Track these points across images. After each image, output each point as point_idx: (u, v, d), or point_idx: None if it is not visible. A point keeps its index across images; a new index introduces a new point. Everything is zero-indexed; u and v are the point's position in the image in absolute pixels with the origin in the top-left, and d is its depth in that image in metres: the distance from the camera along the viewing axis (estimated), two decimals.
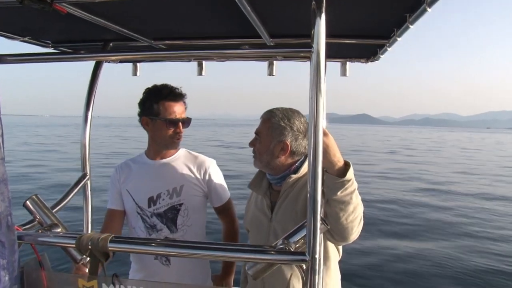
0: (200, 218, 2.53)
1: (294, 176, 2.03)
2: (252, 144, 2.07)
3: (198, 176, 2.49)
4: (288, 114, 2.03)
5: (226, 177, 2.67)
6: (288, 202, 2.01)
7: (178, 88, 2.40)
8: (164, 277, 2.37)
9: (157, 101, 2.34)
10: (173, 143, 2.43)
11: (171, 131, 2.37)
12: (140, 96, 2.39)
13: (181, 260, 2.40)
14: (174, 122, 2.36)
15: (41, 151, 27.36)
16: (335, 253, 2.03)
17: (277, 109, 2.06)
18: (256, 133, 2.06)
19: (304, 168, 2.06)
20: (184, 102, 2.44)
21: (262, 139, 2.02)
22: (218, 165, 2.62)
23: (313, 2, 1.25)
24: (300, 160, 2.08)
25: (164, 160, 2.48)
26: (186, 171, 2.48)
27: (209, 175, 2.51)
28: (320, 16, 1.24)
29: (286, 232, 1.51)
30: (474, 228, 10.00)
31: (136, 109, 2.41)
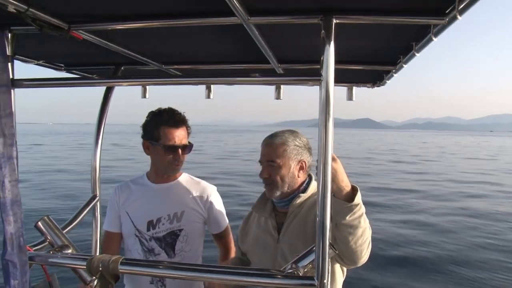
0: (198, 244, 2.52)
1: (302, 196, 2.05)
2: (268, 173, 2.04)
3: (199, 202, 2.48)
4: (294, 133, 2.09)
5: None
6: (296, 222, 2.01)
7: (180, 114, 2.38)
8: None
9: (157, 126, 2.32)
10: (172, 169, 2.40)
11: (170, 157, 2.34)
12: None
13: (177, 284, 2.38)
14: (173, 149, 2.33)
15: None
16: (340, 275, 2.04)
17: (280, 132, 2.10)
18: (269, 160, 2.03)
19: (311, 188, 2.09)
20: (187, 127, 2.41)
21: (282, 164, 2.02)
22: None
23: (322, 31, 1.29)
24: (306, 181, 2.11)
25: (166, 184, 2.47)
26: (187, 197, 2.46)
27: (210, 202, 2.50)
28: (329, 44, 1.28)
29: (295, 252, 1.52)
30: None
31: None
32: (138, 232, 2.40)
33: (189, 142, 2.41)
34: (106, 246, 2.49)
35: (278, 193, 2.04)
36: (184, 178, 2.53)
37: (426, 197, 15.40)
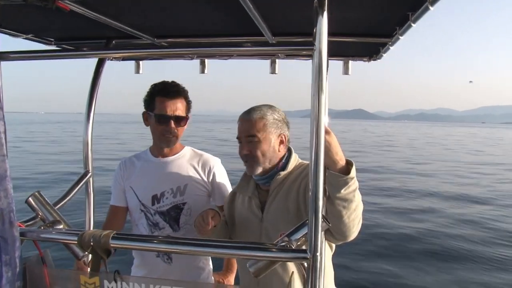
0: None
1: (282, 173, 2.04)
2: (248, 149, 2.02)
3: (202, 175, 2.49)
4: (272, 108, 2.08)
5: None
6: (278, 200, 2.01)
7: (177, 85, 2.38)
8: (165, 275, 2.37)
9: (153, 97, 2.35)
10: (164, 140, 2.39)
11: (161, 127, 2.35)
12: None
13: (183, 257, 2.41)
14: (164, 118, 2.33)
15: None
16: (328, 250, 2.04)
17: (257, 107, 2.08)
18: (249, 135, 2.01)
19: (291, 163, 2.08)
20: (185, 99, 2.41)
21: (263, 139, 2.00)
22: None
23: (315, 1, 1.25)
24: (285, 156, 2.09)
25: (169, 158, 2.48)
26: (190, 170, 2.47)
27: (214, 175, 2.51)
28: (322, 15, 1.25)
29: (279, 231, 1.51)
30: None
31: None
32: (143, 207, 2.43)
33: (182, 115, 2.39)
34: (112, 220, 2.53)
35: (259, 169, 2.02)
36: (186, 151, 2.54)
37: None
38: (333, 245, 2.06)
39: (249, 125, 2.01)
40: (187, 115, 2.42)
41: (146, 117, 2.42)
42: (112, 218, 2.53)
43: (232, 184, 2.61)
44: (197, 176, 2.48)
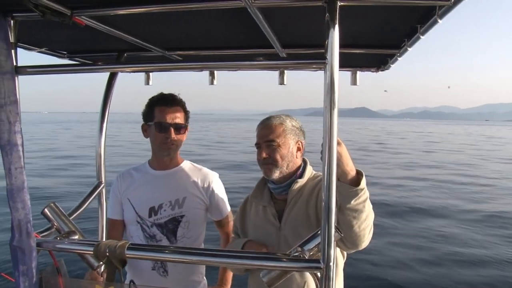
0: (199, 231, 2.53)
1: (299, 182, 2.06)
2: (268, 154, 2.05)
3: (201, 189, 2.49)
4: (289, 116, 2.16)
5: None
6: (298, 208, 2.02)
7: (173, 95, 2.42)
8: None
9: (151, 107, 2.38)
10: (164, 148, 2.39)
11: (161, 136, 2.35)
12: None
13: (179, 270, 2.41)
14: (164, 127, 2.34)
15: None
16: (341, 259, 2.06)
17: (276, 115, 2.15)
18: (269, 140, 2.05)
19: (307, 173, 2.11)
20: (183, 109, 2.43)
21: (282, 143, 2.04)
22: None
23: (327, 14, 1.28)
24: (301, 166, 2.13)
25: (168, 171, 2.49)
26: (189, 183, 2.48)
27: (212, 189, 2.52)
28: (333, 28, 1.27)
29: (299, 238, 1.53)
30: None
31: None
32: (139, 219, 2.42)
33: (181, 123, 2.40)
34: (110, 233, 2.51)
35: (277, 173, 2.05)
36: (185, 164, 2.55)
37: None
38: (345, 253, 2.07)
39: (269, 131, 2.06)
40: (186, 124, 2.44)
41: (145, 129, 2.44)
42: (110, 231, 2.52)
43: (229, 198, 2.65)
44: (196, 189, 2.48)
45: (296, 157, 2.09)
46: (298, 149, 2.10)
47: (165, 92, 2.46)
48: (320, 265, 1.30)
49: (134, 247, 1.50)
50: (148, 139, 2.46)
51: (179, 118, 2.39)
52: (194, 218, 2.46)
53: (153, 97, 2.41)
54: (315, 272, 1.36)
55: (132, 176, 2.52)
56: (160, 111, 2.35)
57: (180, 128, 2.40)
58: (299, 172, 2.10)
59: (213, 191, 2.52)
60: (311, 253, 1.45)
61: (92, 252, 1.52)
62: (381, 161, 23.72)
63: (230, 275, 2.67)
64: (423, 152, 31.25)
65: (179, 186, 2.46)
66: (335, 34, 1.27)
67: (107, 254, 1.48)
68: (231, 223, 2.62)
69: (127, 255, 1.47)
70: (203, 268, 2.61)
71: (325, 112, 1.27)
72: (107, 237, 2.48)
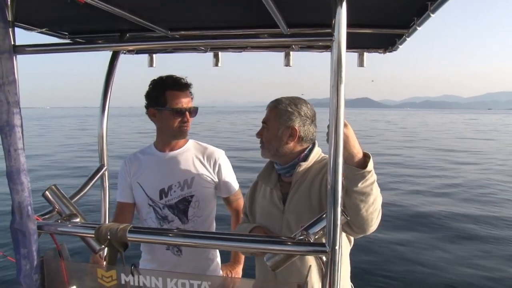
0: (210, 209, 2.56)
1: (303, 165, 2.02)
2: (259, 133, 2.08)
3: (208, 167, 2.51)
4: (295, 100, 2.06)
5: None
6: (301, 192, 2.00)
7: (183, 78, 2.40)
8: (175, 267, 2.39)
9: (163, 92, 2.36)
10: (181, 132, 2.42)
11: (178, 120, 2.38)
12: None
13: (192, 250, 2.42)
14: (181, 112, 2.36)
15: None
16: (346, 244, 2.02)
17: (282, 97, 2.09)
18: (263, 122, 2.07)
19: (313, 156, 2.07)
20: (190, 92, 2.44)
21: (270, 126, 2.03)
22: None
23: None
24: (308, 148, 2.08)
25: (174, 152, 2.49)
26: (196, 163, 2.49)
27: (219, 166, 2.53)
28: (341, 5, 1.23)
29: (300, 223, 1.51)
30: None
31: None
32: (151, 201, 2.44)
33: (193, 106, 2.44)
34: (119, 217, 2.52)
35: (266, 154, 2.07)
36: (191, 144, 2.56)
37: None
38: (352, 239, 2.04)
39: (267, 112, 2.07)
40: (197, 107, 2.47)
41: (153, 113, 2.42)
42: (120, 215, 2.53)
43: (237, 175, 2.65)
44: (203, 168, 2.50)
45: (287, 143, 2.02)
46: (290, 135, 2.01)
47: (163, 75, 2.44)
48: (325, 249, 1.28)
49: (136, 230, 1.47)
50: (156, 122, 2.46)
51: (190, 102, 2.42)
52: (204, 197, 2.48)
53: (162, 80, 2.39)
54: (320, 256, 1.33)
55: (139, 159, 2.53)
56: (175, 96, 2.35)
57: (194, 111, 2.44)
58: (302, 155, 2.05)
59: (220, 168, 2.54)
60: (317, 237, 1.42)
61: (93, 235, 1.50)
62: None
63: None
64: None
65: (186, 166, 2.47)
66: (342, 11, 1.22)
67: (109, 237, 1.46)
68: (241, 200, 2.65)
69: (128, 238, 1.45)
70: None
71: (331, 92, 1.23)
72: (115, 220, 2.49)
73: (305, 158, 2.05)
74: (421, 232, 8.26)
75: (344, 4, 1.22)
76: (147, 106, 2.43)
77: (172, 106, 2.35)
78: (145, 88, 2.44)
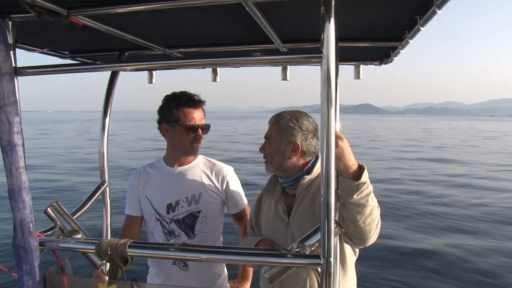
0: (217, 225, 2.56)
1: (307, 177, 2.03)
2: (262, 148, 2.09)
3: (216, 183, 2.51)
4: (296, 115, 2.06)
5: None
6: (305, 204, 2.01)
7: (197, 95, 2.42)
8: (182, 282, 2.40)
9: (176, 108, 2.37)
10: (192, 149, 2.43)
11: (191, 137, 2.39)
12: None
13: (199, 264, 2.42)
14: (194, 128, 2.38)
15: None
16: (351, 255, 2.03)
17: (284, 111, 2.10)
18: (265, 137, 2.08)
19: (317, 169, 2.07)
20: (203, 109, 2.46)
21: (272, 142, 2.04)
22: None
23: (322, 7, 1.26)
24: (312, 161, 2.08)
25: (183, 167, 2.50)
26: (204, 178, 2.50)
27: (227, 183, 2.53)
28: (329, 21, 1.25)
29: (304, 235, 1.52)
30: None
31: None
32: (158, 216, 2.46)
33: (206, 123, 2.46)
34: (127, 230, 2.53)
35: (271, 169, 2.08)
36: (200, 160, 2.57)
37: None
38: (357, 250, 2.05)
39: (268, 127, 2.08)
40: (209, 124, 2.49)
41: (166, 129, 2.43)
42: (128, 228, 2.54)
43: (245, 192, 2.64)
44: (211, 184, 2.50)
45: (290, 158, 2.02)
46: (293, 150, 2.02)
47: (175, 91, 2.45)
48: (320, 261, 1.29)
49: (136, 245, 1.50)
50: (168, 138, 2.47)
51: (203, 118, 2.45)
52: (211, 213, 2.49)
53: (178, 97, 2.40)
54: (316, 268, 1.35)
55: (148, 173, 2.54)
56: (189, 113, 2.38)
57: (206, 128, 2.46)
58: (306, 168, 2.06)
59: (228, 185, 2.54)
60: (312, 249, 1.44)
61: (94, 251, 1.52)
62: None
63: (250, 269, 2.69)
64: None
65: (194, 181, 2.48)
66: (330, 28, 1.25)
67: (109, 252, 1.48)
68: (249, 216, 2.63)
69: (128, 253, 1.47)
70: None
71: (322, 107, 1.26)
72: (124, 234, 2.50)
73: (309, 171, 2.05)
74: None
75: (332, 21, 1.25)
76: (159, 121, 2.44)
77: (186, 122, 2.36)
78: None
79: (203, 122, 2.43)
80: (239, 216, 2.61)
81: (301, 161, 2.05)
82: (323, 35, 1.26)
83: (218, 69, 2.75)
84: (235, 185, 2.58)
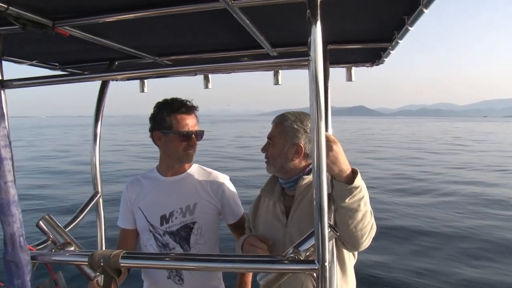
0: (213, 236, 2.47)
1: (306, 178, 2.01)
2: (264, 149, 2.06)
3: (211, 193, 2.43)
4: (301, 116, 2.04)
5: None
6: (303, 206, 1.98)
7: (189, 101, 2.36)
8: None
9: (169, 115, 2.31)
10: (186, 156, 2.36)
11: (184, 144, 2.32)
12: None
13: (195, 278, 2.36)
14: (188, 135, 2.31)
15: None
16: (350, 258, 2.01)
17: (289, 112, 2.08)
18: (268, 137, 2.05)
19: None
20: (196, 115, 2.40)
21: (275, 143, 2.01)
22: None
23: (308, 11, 1.26)
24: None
25: (177, 177, 2.43)
26: (199, 188, 2.42)
27: (223, 192, 2.45)
28: (315, 24, 1.25)
29: (303, 236, 1.50)
30: None
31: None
32: (152, 227, 2.38)
33: (200, 130, 2.40)
34: (122, 243, 2.47)
35: (272, 170, 2.06)
36: (195, 169, 2.49)
37: None
38: (356, 253, 2.02)
39: (272, 128, 2.07)
40: (203, 130, 2.43)
41: (158, 136, 2.37)
42: (122, 241, 2.49)
43: (241, 200, 2.57)
44: (206, 194, 2.43)
45: (292, 160, 2.01)
46: (296, 152, 2.00)
47: (166, 96, 2.41)
48: (315, 266, 1.28)
49: (129, 255, 1.48)
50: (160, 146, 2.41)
51: (196, 125, 2.39)
52: (206, 224, 2.41)
53: (169, 104, 2.34)
54: (311, 273, 1.33)
55: (141, 184, 2.47)
56: (182, 119, 2.32)
57: (200, 135, 2.40)
58: (307, 169, 2.04)
59: (223, 194, 2.46)
60: (307, 254, 1.42)
61: (87, 263, 1.50)
62: None
63: (249, 279, 2.61)
64: None
65: (189, 192, 2.41)
66: (317, 30, 1.25)
67: (102, 264, 1.46)
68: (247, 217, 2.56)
69: (121, 264, 1.45)
70: (220, 273, 2.54)
71: (311, 110, 1.25)
72: (119, 247, 2.44)
73: (309, 172, 2.04)
74: None
75: (319, 24, 1.24)
76: (151, 129, 2.39)
77: (179, 129, 2.31)
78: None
79: (196, 128, 2.37)
80: (237, 226, 2.52)
81: (303, 163, 2.04)
82: (310, 38, 1.25)
83: (210, 76, 2.74)
84: (231, 194, 2.50)
